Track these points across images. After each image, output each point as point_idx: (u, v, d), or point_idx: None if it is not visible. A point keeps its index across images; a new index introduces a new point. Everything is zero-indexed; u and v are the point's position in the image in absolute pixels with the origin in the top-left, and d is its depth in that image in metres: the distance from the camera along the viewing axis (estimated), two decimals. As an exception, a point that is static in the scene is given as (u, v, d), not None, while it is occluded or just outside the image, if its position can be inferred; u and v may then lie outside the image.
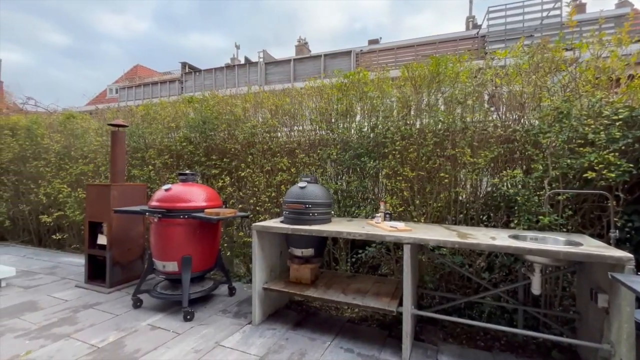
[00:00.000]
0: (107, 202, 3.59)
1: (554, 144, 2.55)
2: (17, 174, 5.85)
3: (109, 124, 3.95)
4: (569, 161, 2.47)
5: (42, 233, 5.86)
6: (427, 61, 3.13)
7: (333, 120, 3.54)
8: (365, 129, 3.42)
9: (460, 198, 3.03)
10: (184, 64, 19.87)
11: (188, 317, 2.86)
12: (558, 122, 2.55)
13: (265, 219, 3.63)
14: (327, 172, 3.63)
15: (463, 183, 3.05)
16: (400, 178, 3.07)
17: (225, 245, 4.04)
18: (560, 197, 2.53)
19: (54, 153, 5.43)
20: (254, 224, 2.80)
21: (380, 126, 3.28)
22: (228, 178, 3.98)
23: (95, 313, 3.03)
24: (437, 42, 12.96)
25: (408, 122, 3.21)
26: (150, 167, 4.49)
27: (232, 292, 3.47)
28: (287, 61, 16.21)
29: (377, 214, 2.73)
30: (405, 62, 12.58)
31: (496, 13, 10.95)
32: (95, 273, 3.79)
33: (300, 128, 3.82)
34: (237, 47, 22.56)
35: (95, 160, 5.07)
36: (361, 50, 14.60)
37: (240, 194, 4.01)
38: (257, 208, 3.81)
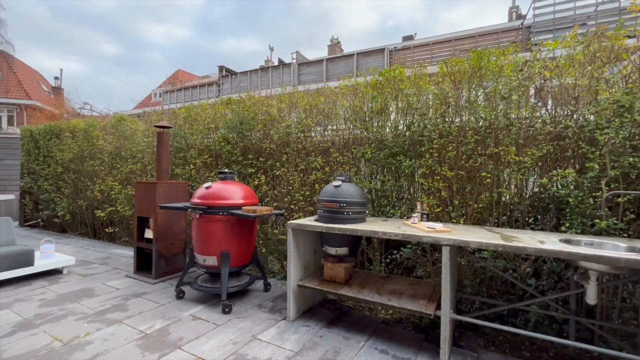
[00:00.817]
0: (154, 198, 3.83)
1: (612, 141, 2.33)
2: (76, 172, 6.44)
3: (155, 126, 4.22)
4: (631, 159, 2.24)
5: (96, 226, 6.40)
6: (468, 55, 3.00)
7: (367, 118, 3.51)
8: (401, 127, 3.35)
9: (503, 199, 2.87)
10: (221, 68, 20.67)
11: (226, 310, 2.98)
12: (618, 117, 2.32)
13: (299, 217, 3.68)
14: (361, 171, 3.60)
15: (507, 183, 2.88)
16: (438, 177, 2.97)
17: (261, 242, 4.15)
18: (620, 199, 2.31)
19: (107, 153, 5.91)
20: (289, 222, 2.86)
21: (416, 124, 3.19)
22: (263, 177, 4.09)
23: (143, 302, 3.25)
24: (477, 35, 12.35)
25: (446, 120, 3.10)
26: (191, 166, 4.74)
27: (267, 287, 3.56)
28: (320, 61, 16.30)
29: (413, 214, 2.66)
30: (441, 58, 12.14)
31: (543, 2, 10.21)
32: (143, 264, 4.07)
33: (334, 127, 3.82)
34: (271, 49, 23.07)
35: (142, 159, 5.44)
36: (395, 48, 14.30)
37: (275, 192, 4.10)
38: (292, 206, 3.87)
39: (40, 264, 3.93)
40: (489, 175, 2.76)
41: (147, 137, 5.50)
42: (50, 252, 4.14)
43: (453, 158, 2.94)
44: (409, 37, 17.35)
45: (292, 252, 2.86)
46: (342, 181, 2.86)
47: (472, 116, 2.93)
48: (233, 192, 3.22)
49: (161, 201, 3.82)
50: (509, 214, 2.86)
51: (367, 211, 3.00)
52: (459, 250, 2.65)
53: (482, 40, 12.12)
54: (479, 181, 2.86)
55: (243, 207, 3.09)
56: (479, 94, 2.99)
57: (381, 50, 14.44)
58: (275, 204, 4.06)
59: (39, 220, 7.50)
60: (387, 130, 3.46)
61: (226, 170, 3.46)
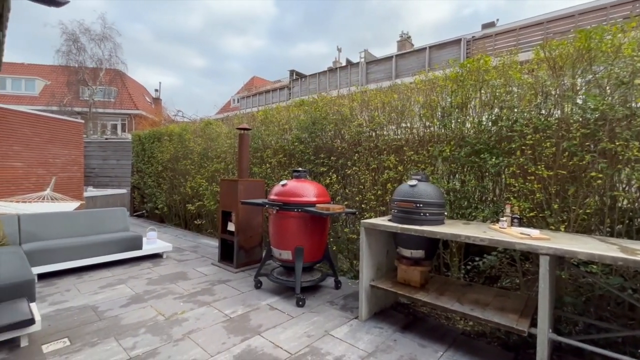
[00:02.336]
0: (236, 194, 4.19)
1: None
2: (172, 170, 7.41)
3: (237, 128, 4.60)
4: None
5: (187, 218, 7.27)
6: (571, 37, 2.58)
7: (446, 114, 3.28)
8: (485, 122, 3.06)
9: (619, 204, 2.41)
10: (292, 72, 21.65)
11: (300, 303, 3.09)
12: None
13: (370, 217, 3.64)
14: (438, 171, 3.39)
15: (625, 185, 2.41)
16: (532, 178, 2.63)
17: (331, 240, 4.21)
18: None
19: (196, 154, 6.67)
20: (362, 221, 2.84)
21: (504, 118, 2.87)
22: (334, 176, 4.14)
23: (226, 288, 3.57)
24: (577, 14, 10.62)
25: (542, 112, 2.72)
26: (267, 165, 5.05)
27: (337, 285, 3.60)
28: (389, 58, 15.90)
29: (502, 218, 2.40)
30: (530, 44, 10.77)
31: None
32: (225, 254, 4.48)
33: (408, 124, 3.67)
34: (339, 50, 23.34)
35: (225, 159, 6.00)
36: (473, 37, 13.16)
37: (346, 191, 4.12)
38: (363, 206, 3.84)
39: (147, 248, 4.62)
40: (600, 175, 2.34)
41: (229, 138, 6.04)
42: (154, 239, 4.83)
43: (551, 155, 2.57)
44: (490, 24, 15.78)
45: (365, 251, 2.83)
46: (419, 180, 2.73)
47: (578, 107, 2.51)
48: (307, 190, 3.33)
49: (242, 197, 4.15)
50: (627, 222, 2.38)
51: (445, 213, 2.81)
52: (560, 261, 2.30)
53: (584, 19, 10.38)
54: (585, 182, 2.45)
55: (316, 205, 3.17)
56: (588, 80, 2.55)
57: (457, 42, 13.44)
58: (345, 202, 4.08)
59: (144, 211, 8.83)
60: (468, 125, 3.20)
61: (300, 168, 3.59)
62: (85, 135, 8.87)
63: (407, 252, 2.77)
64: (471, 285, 2.86)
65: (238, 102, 26.43)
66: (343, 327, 2.72)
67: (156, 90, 27.20)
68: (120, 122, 23.15)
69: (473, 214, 3.03)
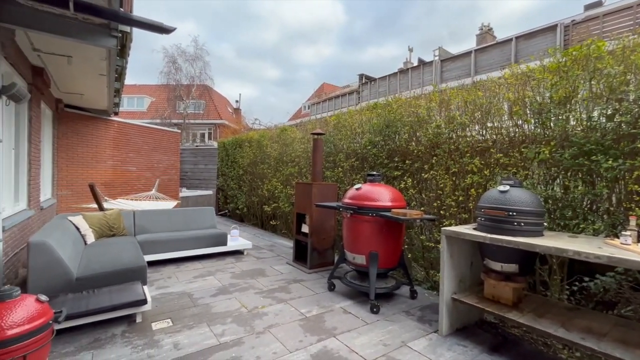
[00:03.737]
0: (310, 197, 4.33)
1: None
2: (251, 174, 8.03)
3: (311, 133, 4.76)
4: None
5: (263, 219, 7.78)
6: None
7: (545, 110, 2.88)
8: (597, 118, 2.59)
9: None
10: (361, 76, 21.64)
11: (374, 309, 3.03)
12: None
13: (450, 224, 3.39)
14: (534, 175, 2.99)
15: None
16: (667, 184, 2.13)
17: (405, 247, 4.05)
18: None
19: (273, 158, 7.11)
20: (443, 228, 2.66)
21: (624, 112, 2.40)
22: (410, 180, 3.97)
23: (301, 287, 3.70)
24: None
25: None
26: (339, 168, 5.11)
27: (413, 295, 3.43)
28: (467, 54, 14.75)
29: (624, 232, 1.99)
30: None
31: None
32: (299, 255, 4.65)
33: (496, 124, 3.33)
34: (410, 49, 22.51)
35: (299, 163, 6.26)
36: (573, 21, 11.39)
37: (423, 196, 3.92)
38: (442, 212, 3.60)
39: (230, 245, 5.07)
40: None
41: (302, 143, 6.29)
42: (236, 237, 5.28)
43: (697, 157, 2.05)
44: (595, 4, 13.49)
45: (446, 261, 2.64)
46: (511, 185, 2.45)
47: None
48: (382, 194, 3.26)
49: (316, 200, 4.27)
50: None
51: (545, 223, 2.46)
52: None
53: None
54: None
55: (392, 210, 3.08)
56: None
57: (551, 28, 11.80)
58: (422, 208, 3.88)
59: (226, 211, 9.74)
60: (573, 123, 2.75)
61: (374, 172, 3.54)
62: (180, 144, 10.20)
63: (496, 266, 2.50)
64: (579, 309, 2.44)
65: (308, 108, 27.47)
66: (421, 339, 2.58)
67: (237, 101, 29.89)
68: (207, 131, 26.03)
69: (581, 225, 2.59)
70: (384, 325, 2.80)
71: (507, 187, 2.44)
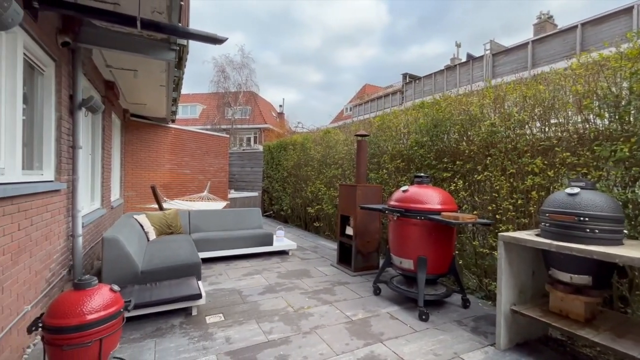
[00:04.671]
0: (354, 199, 4.29)
1: None
2: (295, 176, 8.20)
3: (355, 135, 4.73)
4: None
5: (307, 220, 7.88)
6: None
7: (623, 103, 2.55)
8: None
9: None
10: (404, 75, 21.07)
11: (423, 317, 2.90)
12: None
13: (508, 230, 3.14)
14: (608, 176, 2.66)
15: None
16: None
17: (456, 252, 3.83)
18: None
19: (316, 160, 7.19)
20: (500, 234, 2.47)
21: None
22: (461, 182, 3.75)
23: (346, 290, 3.68)
24: None
25: None
26: (384, 170, 5.00)
27: (465, 304, 3.23)
28: (523, 45, 13.67)
29: None
30: None
31: None
32: (343, 257, 4.63)
33: (561, 120, 3.02)
34: (458, 45, 21.38)
35: (342, 165, 6.25)
36: (654, 1, 9.99)
37: (475, 199, 3.68)
38: (497, 216, 3.35)
39: (276, 245, 5.22)
40: None
41: (345, 145, 6.28)
42: (282, 237, 5.41)
43: None
44: (683, -21, 11.67)
45: (504, 269, 2.44)
46: (582, 188, 2.20)
47: None
48: (430, 197, 3.13)
49: (360, 202, 4.22)
50: None
51: (625, 231, 2.17)
52: None
53: None
54: None
55: (442, 213, 2.93)
56: None
57: (626, 11, 10.49)
58: (475, 212, 3.65)
59: (271, 212, 10.05)
60: (660, 116, 2.40)
61: (422, 174, 3.41)
62: (228, 148, 10.76)
63: (564, 277, 2.25)
64: (670, 331, 2.10)
65: (350, 110, 27.38)
66: (476, 352, 2.41)
67: (280, 106, 30.78)
68: (253, 135, 27.15)
69: (671, 234, 2.24)
70: (434, 334, 2.67)
71: (577, 190, 2.19)
